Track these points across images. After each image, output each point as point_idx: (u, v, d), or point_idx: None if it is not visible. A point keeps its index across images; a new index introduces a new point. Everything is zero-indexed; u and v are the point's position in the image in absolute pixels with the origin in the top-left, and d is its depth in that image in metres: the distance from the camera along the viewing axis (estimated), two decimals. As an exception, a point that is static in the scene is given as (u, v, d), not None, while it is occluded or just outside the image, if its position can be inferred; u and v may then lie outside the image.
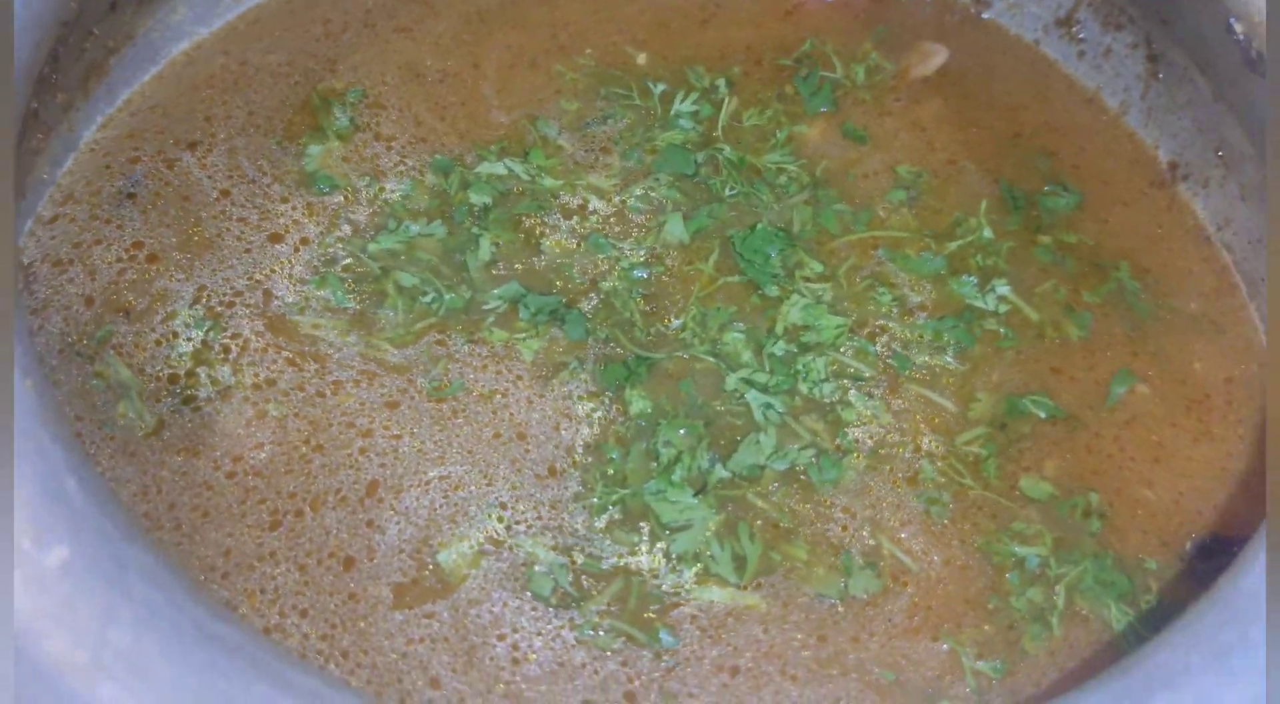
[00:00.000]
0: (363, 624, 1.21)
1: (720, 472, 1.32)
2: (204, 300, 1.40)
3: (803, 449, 1.34)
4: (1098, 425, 1.41)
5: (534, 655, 1.21)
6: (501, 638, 1.22)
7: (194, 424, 1.31)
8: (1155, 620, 1.26)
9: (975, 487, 1.35)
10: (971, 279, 1.50)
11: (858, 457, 1.35)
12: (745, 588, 1.26)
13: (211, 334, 1.37)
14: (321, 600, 1.22)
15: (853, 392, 1.39)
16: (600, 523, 1.29)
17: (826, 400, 1.38)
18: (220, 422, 1.31)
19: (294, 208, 1.49)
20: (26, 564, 0.82)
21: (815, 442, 1.35)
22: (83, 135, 1.52)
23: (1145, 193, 1.64)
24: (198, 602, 0.84)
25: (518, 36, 1.71)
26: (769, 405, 1.36)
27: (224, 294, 1.41)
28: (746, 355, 1.41)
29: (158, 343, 1.37)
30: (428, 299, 1.42)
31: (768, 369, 1.40)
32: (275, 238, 1.46)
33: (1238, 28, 1.38)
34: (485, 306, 1.42)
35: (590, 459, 1.33)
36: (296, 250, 1.46)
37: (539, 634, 1.22)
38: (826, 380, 1.39)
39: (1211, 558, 1.31)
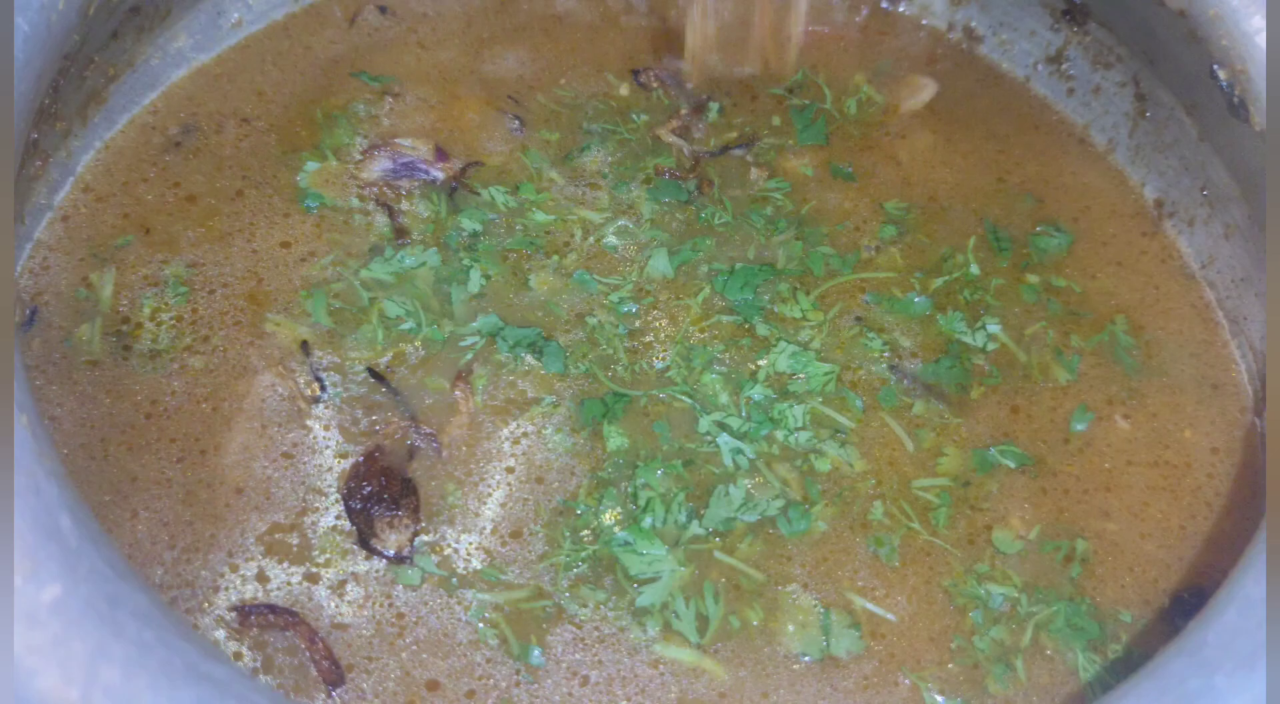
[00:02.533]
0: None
1: (695, 528, 1.32)
2: (196, 272, 1.47)
3: (773, 499, 1.34)
4: (1085, 473, 1.42)
5: (419, 619, 1.25)
6: (401, 617, 1.25)
7: (120, 372, 1.38)
8: (1122, 670, 1.27)
9: (923, 532, 1.35)
10: (959, 315, 1.51)
11: (826, 506, 1.35)
12: (705, 650, 1.25)
13: (175, 300, 1.43)
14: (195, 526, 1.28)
15: (828, 441, 1.39)
16: (566, 581, 1.28)
17: (800, 449, 1.39)
18: (143, 376, 1.37)
19: (301, 221, 1.53)
20: (19, 601, 0.84)
21: (784, 492, 1.35)
22: (81, 161, 1.54)
23: (1133, 233, 1.65)
24: (188, 640, 0.86)
25: (503, 66, 1.73)
26: (739, 450, 1.37)
27: (217, 275, 1.47)
28: (724, 397, 1.42)
29: (146, 282, 1.45)
30: (406, 327, 1.43)
31: (744, 414, 1.40)
32: (284, 244, 1.50)
33: (1220, 74, 1.40)
34: (463, 343, 1.43)
35: (560, 517, 1.33)
36: (303, 260, 1.49)
37: (427, 605, 1.26)
38: (804, 428, 1.40)
39: (1190, 616, 1.32)
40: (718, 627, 1.27)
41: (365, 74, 1.69)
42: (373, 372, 1.39)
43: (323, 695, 1.19)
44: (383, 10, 1.78)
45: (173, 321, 1.42)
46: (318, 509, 1.30)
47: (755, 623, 1.27)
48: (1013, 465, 1.41)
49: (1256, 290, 1.51)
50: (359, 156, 1.59)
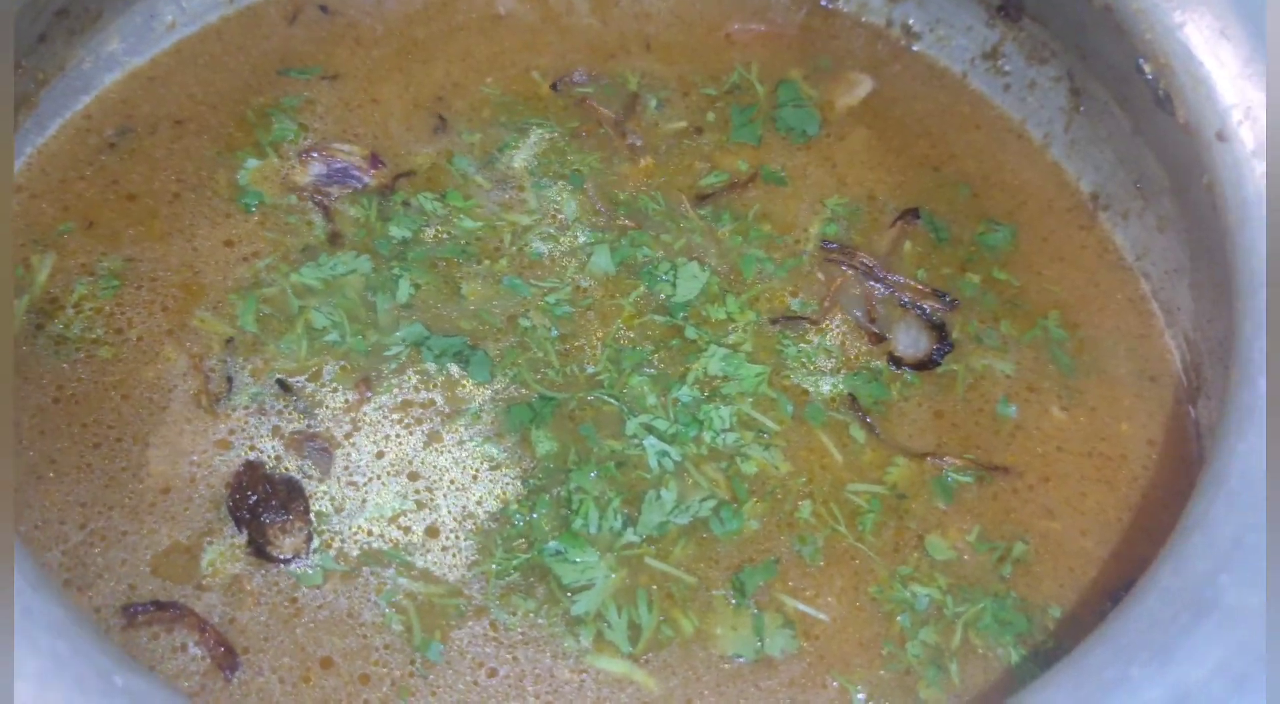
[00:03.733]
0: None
1: (630, 535, 1.31)
2: (131, 266, 1.47)
3: (703, 500, 1.34)
4: (1020, 471, 1.43)
5: (331, 600, 1.26)
6: (293, 600, 1.26)
7: (26, 351, 1.39)
8: (1052, 660, 1.26)
9: (848, 536, 1.35)
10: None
11: (757, 502, 1.36)
12: (638, 660, 1.25)
13: (102, 294, 1.43)
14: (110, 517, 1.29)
15: (753, 445, 1.39)
16: (496, 590, 1.28)
17: (727, 450, 1.39)
18: (45, 360, 1.38)
19: (243, 220, 1.52)
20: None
21: (714, 492, 1.36)
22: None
23: (1070, 226, 1.67)
24: (103, 652, 0.85)
25: (433, 66, 1.73)
26: (664, 453, 1.36)
27: (151, 271, 1.46)
28: (651, 399, 1.41)
29: (79, 271, 1.46)
30: (330, 338, 1.43)
31: (671, 416, 1.40)
32: (228, 243, 1.50)
33: (1146, 68, 1.42)
34: (388, 352, 1.43)
35: (493, 524, 1.32)
36: (244, 260, 1.49)
37: (346, 594, 1.26)
38: (730, 430, 1.40)
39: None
40: (650, 635, 1.27)
41: (293, 69, 1.68)
42: (281, 382, 1.38)
43: (220, 683, 1.19)
44: (324, 9, 1.77)
45: (92, 311, 1.42)
46: (215, 519, 1.30)
47: (689, 629, 1.28)
48: (970, 481, 1.41)
49: (1189, 281, 1.53)
50: (295, 158, 1.58)
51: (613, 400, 1.41)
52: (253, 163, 1.57)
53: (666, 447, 1.37)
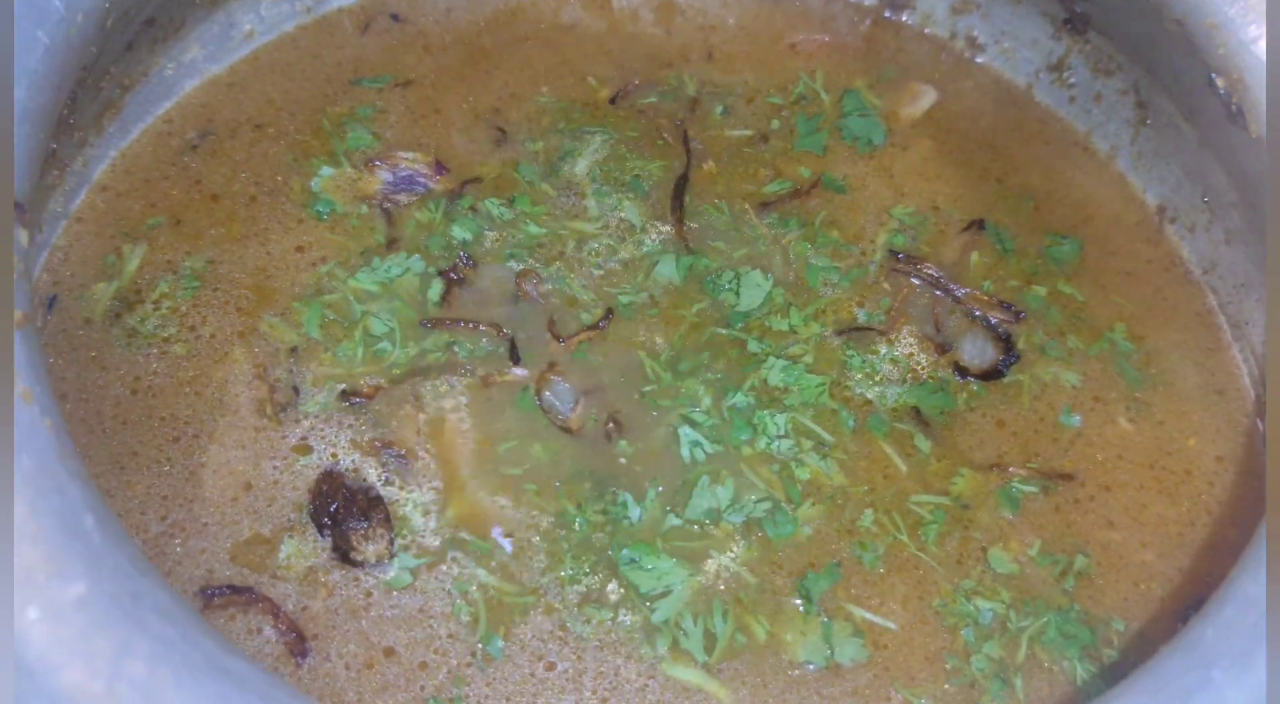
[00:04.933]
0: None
1: (673, 519, 1.33)
2: (212, 268, 1.50)
3: (759, 501, 1.35)
4: (1081, 480, 1.44)
5: (402, 600, 1.28)
6: (367, 594, 1.29)
7: (103, 337, 1.42)
8: (1118, 674, 1.26)
9: (910, 546, 1.36)
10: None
11: (813, 506, 1.36)
12: (710, 669, 1.26)
13: (182, 294, 1.46)
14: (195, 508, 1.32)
15: (810, 453, 1.40)
16: (574, 597, 1.30)
17: (781, 456, 1.40)
18: (119, 350, 1.42)
19: (314, 226, 1.55)
20: (44, 598, 0.86)
21: (770, 493, 1.37)
22: (96, 169, 1.56)
23: (1137, 240, 1.67)
24: (209, 636, 0.88)
25: (497, 76, 1.76)
26: (698, 444, 1.38)
27: (228, 273, 1.50)
28: (707, 400, 1.43)
29: (165, 267, 1.49)
30: (381, 347, 1.45)
31: (724, 415, 1.41)
32: (299, 249, 1.53)
33: (1219, 82, 1.42)
34: (431, 356, 1.45)
35: (559, 530, 1.34)
36: (314, 265, 1.51)
37: (420, 591, 1.29)
38: (785, 436, 1.41)
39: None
40: (726, 644, 1.28)
41: (365, 79, 1.72)
42: (345, 392, 1.40)
43: (291, 667, 1.23)
44: (395, 18, 1.81)
45: (169, 310, 1.45)
46: (297, 520, 1.33)
47: (761, 636, 1.29)
48: (1036, 490, 1.42)
49: (1257, 295, 1.53)
50: (362, 167, 1.61)
51: (664, 401, 1.43)
52: (327, 171, 1.60)
53: (701, 439, 1.38)
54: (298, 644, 1.24)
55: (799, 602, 1.31)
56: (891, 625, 1.31)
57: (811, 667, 1.27)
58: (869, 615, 1.31)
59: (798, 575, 1.33)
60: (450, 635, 1.26)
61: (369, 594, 1.28)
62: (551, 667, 1.25)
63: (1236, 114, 1.41)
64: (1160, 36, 1.54)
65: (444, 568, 1.30)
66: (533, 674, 1.25)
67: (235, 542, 1.30)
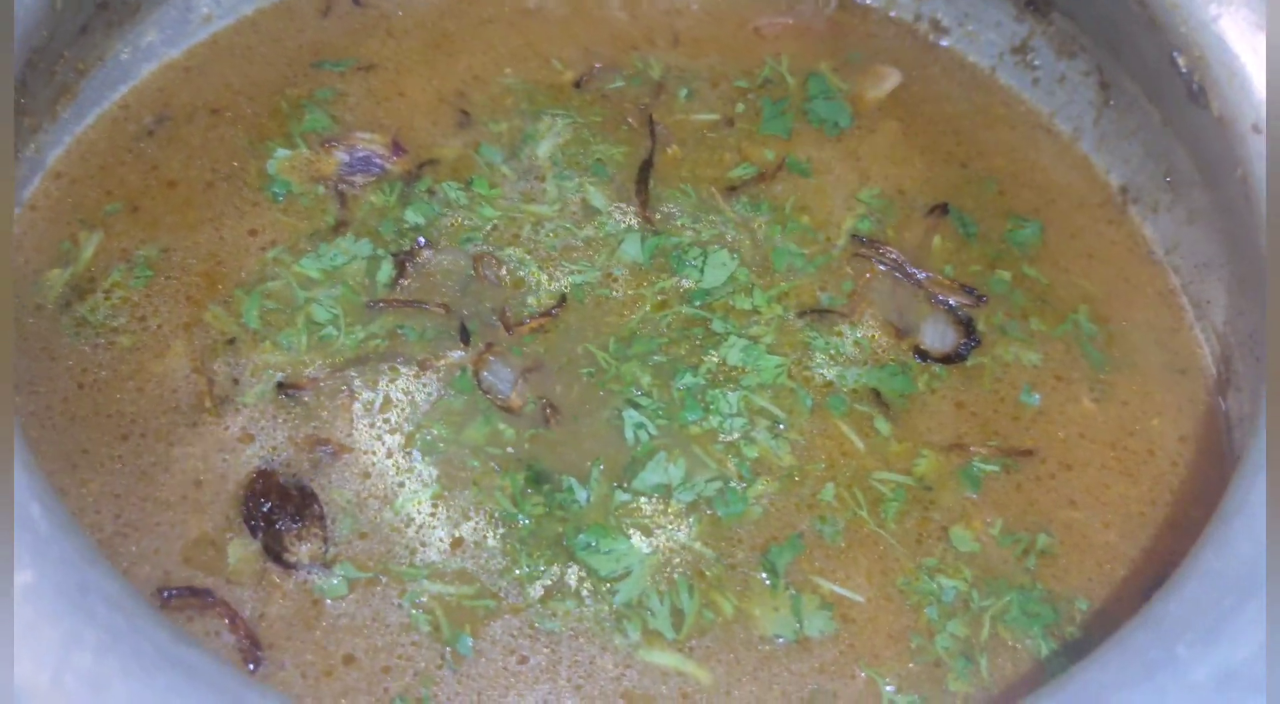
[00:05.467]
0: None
1: (621, 495, 1.33)
2: (166, 256, 1.48)
3: (709, 481, 1.35)
4: (1042, 456, 1.44)
5: (353, 610, 1.26)
6: (315, 602, 1.26)
7: (51, 327, 1.41)
8: (1082, 651, 1.26)
9: (869, 522, 1.36)
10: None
11: (765, 484, 1.36)
12: (683, 648, 1.26)
13: (134, 283, 1.44)
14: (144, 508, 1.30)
15: (761, 430, 1.40)
16: (537, 593, 1.28)
17: (733, 435, 1.39)
18: (67, 341, 1.40)
19: (268, 209, 1.53)
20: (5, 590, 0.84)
21: (722, 473, 1.36)
22: (50, 156, 1.54)
23: (1100, 221, 1.67)
24: (159, 625, 0.87)
25: (461, 59, 1.74)
26: (641, 425, 1.37)
27: (181, 261, 1.48)
28: (645, 379, 1.42)
29: (119, 255, 1.47)
30: (326, 332, 1.43)
31: (673, 397, 1.40)
32: (252, 232, 1.52)
33: (1180, 61, 1.42)
34: (375, 341, 1.43)
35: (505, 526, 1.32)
36: (263, 249, 1.50)
37: (367, 603, 1.26)
38: (738, 415, 1.40)
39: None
40: (693, 620, 1.27)
41: (326, 62, 1.69)
42: (282, 384, 1.38)
43: (245, 674, 1.20)
44: (356, 2, 1.79)
45: (120, 300, 1.43)
46: (235, 517, 1.30)
47: (729, 611, 1.28)
48: (997, 469, 1.41)
49: (1218, 275, 1.54)
50: (319, 148, 1.59)
51: (610, 386, 1.42)
52: (282, 153, 1.58)
53: (645, 420, 1.37)
54: (251, 651, 1.21)
55: (765, 576, 1.31)
56: (859, 598, 1.30)
57: (781, 640, 1.27)
58: (836, 588, 1.31)
59: (759, 550, 1.32)
60: (415, 643, 1.24)
61: (316, 602, 1.25)
62: (524, 660, 1.24)
63: (1198, 93, 1.41)
64: (1123, 16, 1.54)
65: (386, 582, 1.28)
66: (505, 668, 1.24)
67: (185, 541, 1.28)
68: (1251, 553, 0.97)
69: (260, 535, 1.28)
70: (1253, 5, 1.33)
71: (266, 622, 1.24)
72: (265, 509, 1.29)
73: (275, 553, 1.27)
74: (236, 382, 1.38)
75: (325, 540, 1.28)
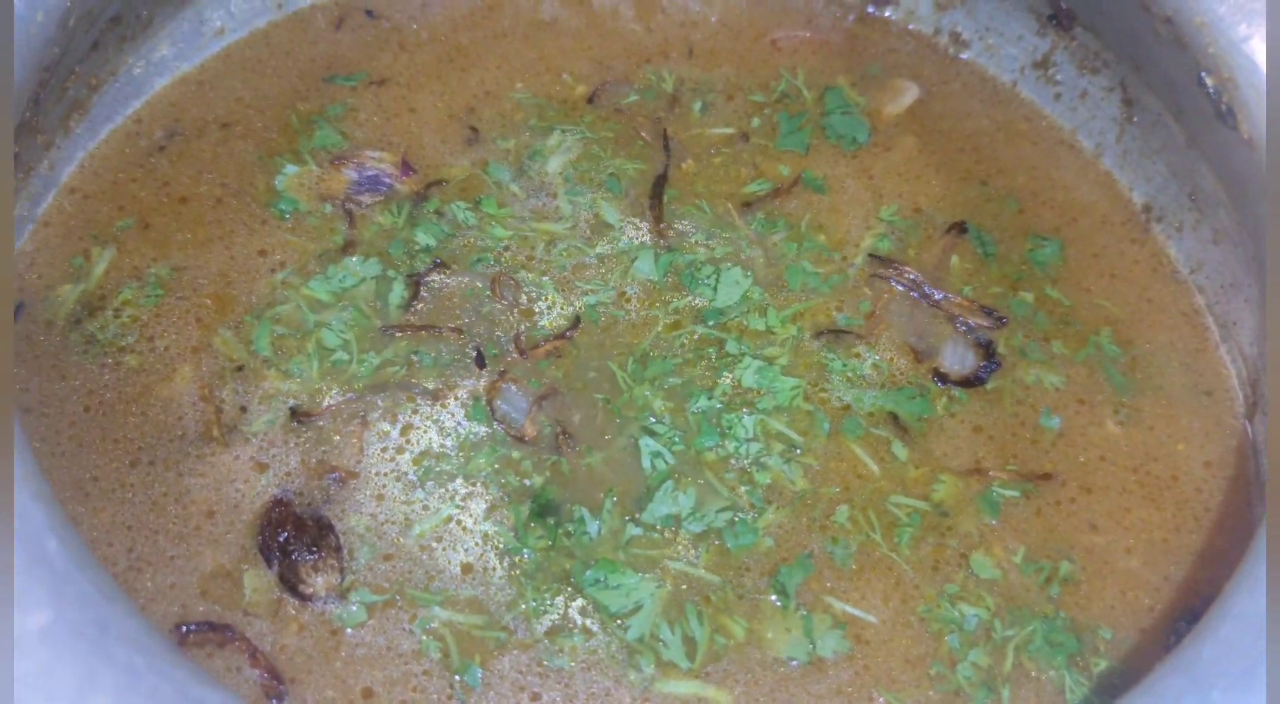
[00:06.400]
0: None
1: (632, 528, 1.31)
2: (177, 276, 1.46)
3: (720, 511, 1.33)
4: (1062, 480, 1.41)
5: (369, 639, 1.24)
6: (334, 632, 1.25)
7: (61, 344, 1.39)
8: (1108, 688, 1.26)
9: (882, 545, 1.34)
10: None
11: (775, 513, 1.34)
12: (699, 674, 1.24)
13: (145, 302, 1.43)
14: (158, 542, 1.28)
15: (774, 455, 1.38)
16: (543, 628, 1.27)
17: (745, 461, 1.37)
18: (75, 358, 1.38)
19: (276, 227, 1.52)
20: (4, 629, 0.83)
21: (734, 501, 1.34)
22: (64, 172, 1.52)
23: (1123, 240, 1.65)
24: (177, 665, 0.85)
25: (476, 73, 1.72)
26: (658, 454, 1.35)
27: (192, 281, 1.46)
28: (658, 404, 1.40)
29: (130, 273, 1.46)
30: (337, 357, 1.41)
31: (690, 423, 1.39)
32: (262, 252, 1.50)
33: (1208, 81, 1.40)
34: (390, 368, 1.41)
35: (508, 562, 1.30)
36: (272, 270, 1.48)
37: (382, 631, 1.25)
38: (754, 439, 1.38)
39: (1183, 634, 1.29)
40: (706, 647, 1.26)
41: (339, 76, 1.68)
42: (294, 411, 1.36)
43: None
44: (370, 14, 1.77)
45: (129, 318, 1.42)
46: (251, 547, 1.29)
47: (740, 634, 1.27)
48: (1016, 495, 1.39)
49: (1245, 296, 1.52)
50: (328, 166, 1.57)
51: (626, 413, 1.40)
52: (291, 169, 1.57)
53: (662, 448, 1.36)
54: (274, 686, 1.19)
55: (775, 598, 1.29)
56: (871, 619, 1.29)
57: (795, 663, 1.26)
58: (849, 608, 1.29)
59: (769, 574, 1.31)
60: (426, 671, 1.23)
61: (335, 632, 1.24)
62: (537, 697, 1.22)
63: (1226, 113, 1.39)
64: (1148, 34, 1.52)
65: (400, 605, 1.27)
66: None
67: (201, 574, 1.26)
68: (1290, 596, 0.95)
69: (276, 565, 1.26)
70: (1283, 26, 1.31)
71: (286, 655, 1.22)
72: (282, 539, 1.27)
73: (291, 585, 1.25)
74: (244, 410, 1.37)
75: (341, 571, 1.27)
